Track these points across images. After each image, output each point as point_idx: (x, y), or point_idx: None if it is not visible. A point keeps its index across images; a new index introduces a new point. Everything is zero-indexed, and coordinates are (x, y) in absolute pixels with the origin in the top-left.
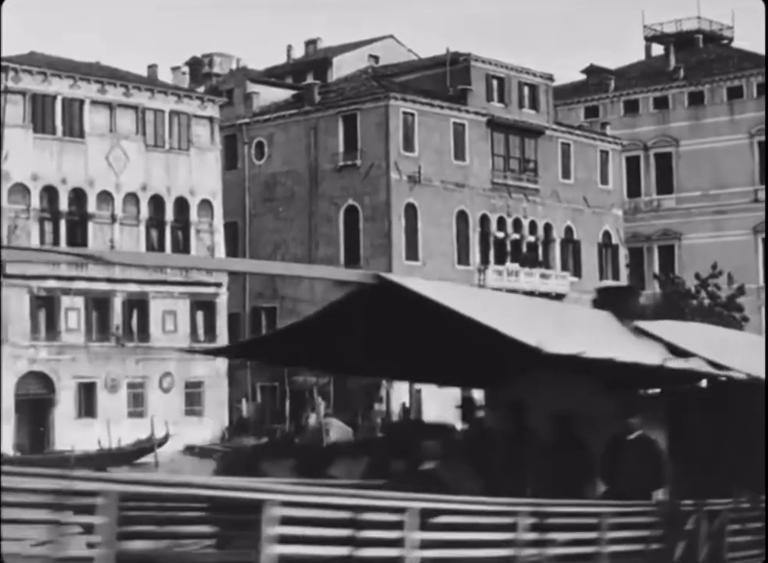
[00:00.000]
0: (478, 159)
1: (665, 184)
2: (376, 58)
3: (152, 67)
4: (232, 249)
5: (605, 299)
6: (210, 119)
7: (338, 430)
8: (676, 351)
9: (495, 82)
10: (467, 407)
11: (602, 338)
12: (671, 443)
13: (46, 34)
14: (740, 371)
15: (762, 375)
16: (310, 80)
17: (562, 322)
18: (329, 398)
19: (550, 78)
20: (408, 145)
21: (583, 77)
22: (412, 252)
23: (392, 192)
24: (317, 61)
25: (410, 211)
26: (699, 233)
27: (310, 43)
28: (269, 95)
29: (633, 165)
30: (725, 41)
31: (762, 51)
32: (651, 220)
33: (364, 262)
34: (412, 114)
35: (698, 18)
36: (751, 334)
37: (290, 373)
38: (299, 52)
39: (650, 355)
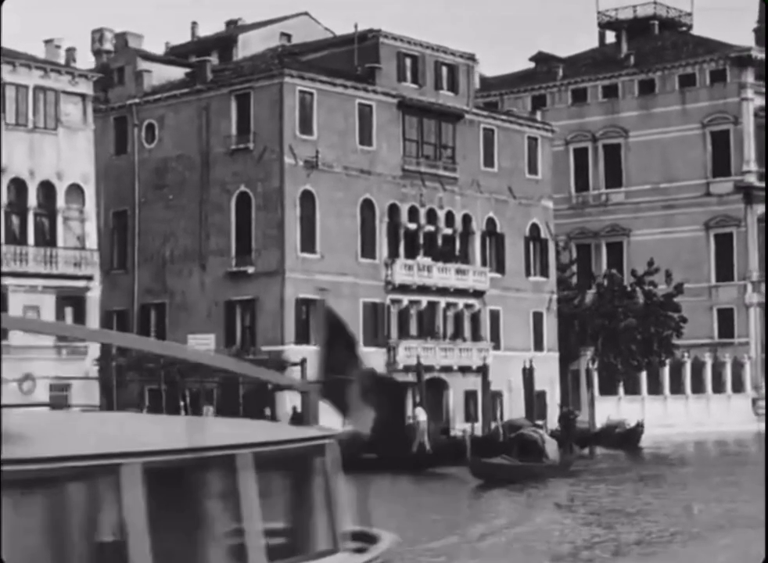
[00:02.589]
0: (387, 143)
1: (613, 178)
2: (288, 36)
3: (48, 43)
4: (122, 241)
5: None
6: (83, 96)
7: None
8: None
9: (408, 61)
10: None
11: None
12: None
13: None
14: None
15: None
16: (214, 59)
17: None
18: (217, 402)
19: (472, 58)
20: (306, 127)
21: (532, 64)
22: (309, 244)
23: (286, 178)
24: (222, 39)
25: (307, 199)
26: (649, 229)
27: (231, 23)
28: (164, 73)
29: (580, 157)
30: (684, 28)
31: (721, 38)
32: (599, 216)
33: (255, 254)
34: (311, 93)
35: (654, 3)
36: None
37: (184, 375)
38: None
39: None
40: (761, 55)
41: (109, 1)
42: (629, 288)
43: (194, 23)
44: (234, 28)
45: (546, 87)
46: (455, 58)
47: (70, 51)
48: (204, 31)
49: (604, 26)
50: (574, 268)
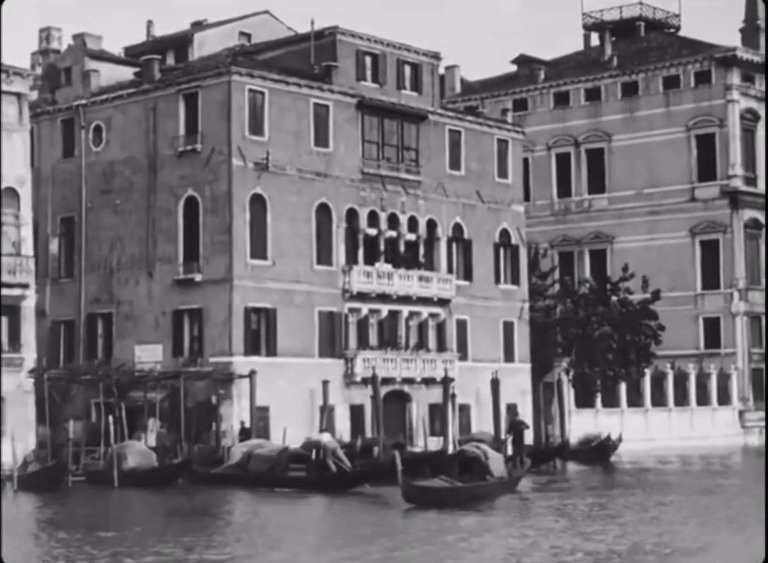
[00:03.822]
0: (345, 145)
1: (596, 183)
2: (248, 35)
3: None
4: (69, 248)
5: None
6: (18, 95)
7: (138, 455)
8: None
9: (368, 59)
10: None
11: None
12: None
13: None
14: None
15: None
16: (170, 59)
17: None
18: (166, 416)
19: (437, 57)
20: (256, 127)
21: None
22: (260, 250)
23: (235, 181)
24: (177, 38)
25: (258, 203)
26: (633, 236)
27: (196, 24)
28: (114, 73)
29: (563, 162)
30: (671, 30)
31: (710, 39)
32: (582, 222)
33: (203, 261)
34: (261, 93)
35: (640, 4)
36: None
37: (126, 388)
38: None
39: None
40: (747, 56)
41: (67, 2)
42: (610, 295)
43: (149, 23)
44: (193, 28)
45: (527, 91)
46: (418, 56)
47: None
48: (171, 32)
49: (589, 28)
50: (556, 274)
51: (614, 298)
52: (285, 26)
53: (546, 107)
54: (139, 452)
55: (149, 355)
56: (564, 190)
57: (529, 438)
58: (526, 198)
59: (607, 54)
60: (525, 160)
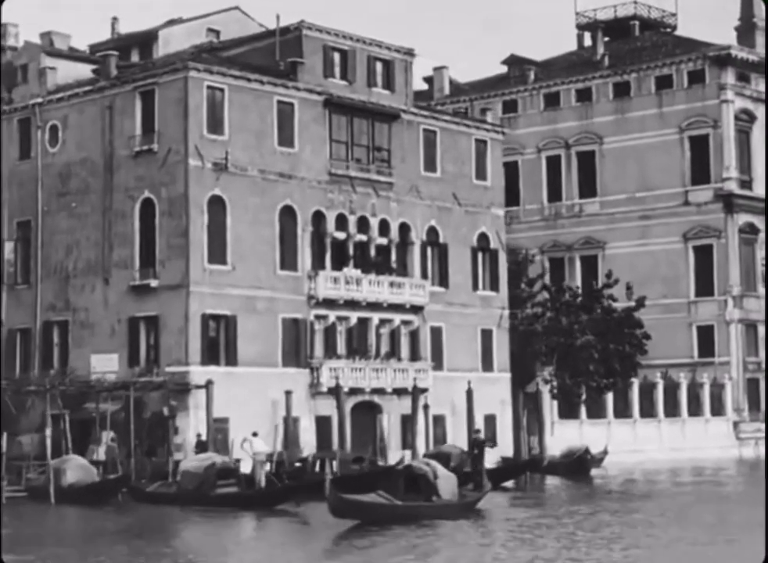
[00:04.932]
0: (311, 145)
1: (588, 187)
2: (217, 32)
3: None
4: (26, 253)
5: None
6: None
7: (78, 470)
8: None
9: (337, 55)
10: None
11: None
12: None
13: None
14: None
15: None
16: (135, 57)
17: None
18: (120, 428)
19: (410, 53)
20: (215, 126)
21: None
22: (218, 254)
23: (191, 182)
24: (141, 35)
25: (217, 205)
26: (625, 241)
27: (170, 22)
28: (72, 71)
29: (553, 165)
30: (667, 29)
31: (705, 39)
32: (573, 228)
33: (159, 266)
34: (221, 90)
35: (634, 3)
36: None
37: (80, 399)
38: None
39: None
40: (742, 54)
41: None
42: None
43: (114, 19)
44: (166, 25)
45: (517, 92)
46: (391, 52)
47: None
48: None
49: (582, 27)
50: (547, 279)
51: (597, 305)
52: (257, 23)
53: (536, 109)
54: (79, 467)
55: (105, 365)
56: (554, 194)
57: (508, 450)
58: (516, 202)
59: (599, 53)
60: (515, 163)
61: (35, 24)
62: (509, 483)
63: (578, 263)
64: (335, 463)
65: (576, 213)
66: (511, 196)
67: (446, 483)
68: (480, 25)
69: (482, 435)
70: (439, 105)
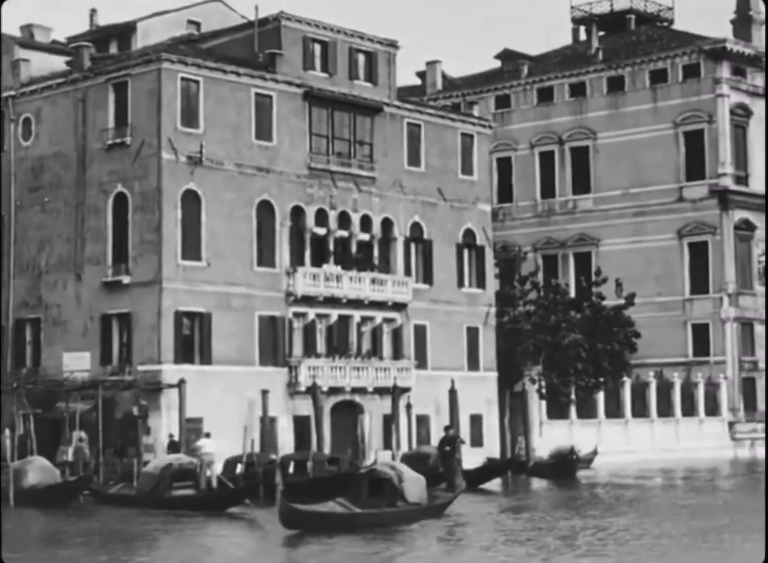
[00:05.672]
0: (290, 138)
1: (581, 183)
2: (197, 23)
3: None
4: None
5: None
6: None
7: (40, 471)
8: None
9: (317, 47)
10: None
11: None
12: None
13: None
14: None
15: None
16: (113, 49)
17: None
18: (91, 428)
19: (393, 45)
20: (190, 118)
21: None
22: (193, 250)
23: (165, 176)
24: (119, 27)
25: (192, 200)
26: (619, 238)
27: (155, 15)
28: (46, 63)
29: (546, 161)
30: (664, 23)
31: (703, 32)
32: (566, 224)
33: (132, 262)
34: (196, 82)
35: None
36: None
37: (51, 399)
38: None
39: None
40: (737, 48)
41: None
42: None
43: (92, 11)
44: (142, 17)
45: (510, 87)
46: (373, 44)
47: None
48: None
49: (578, 21)
50: (540, 277)
51: (585, 303)
52: (239, 15)
53: (529, 104)
54: (41, 468)
55: (77, 363)
56: (547, 190)
57: (495, 451)
58: (509, 199)
59: (593, 47)
60: (508, 159)
61: (19, 17)
62: (495, 486)
63: (571, 261)
64: (308, 464)
65: (570, 209)
66: (504, 193)
67: (414, 486)
68: (476, 20)
69: (452, 431)
70: (432, 100)
